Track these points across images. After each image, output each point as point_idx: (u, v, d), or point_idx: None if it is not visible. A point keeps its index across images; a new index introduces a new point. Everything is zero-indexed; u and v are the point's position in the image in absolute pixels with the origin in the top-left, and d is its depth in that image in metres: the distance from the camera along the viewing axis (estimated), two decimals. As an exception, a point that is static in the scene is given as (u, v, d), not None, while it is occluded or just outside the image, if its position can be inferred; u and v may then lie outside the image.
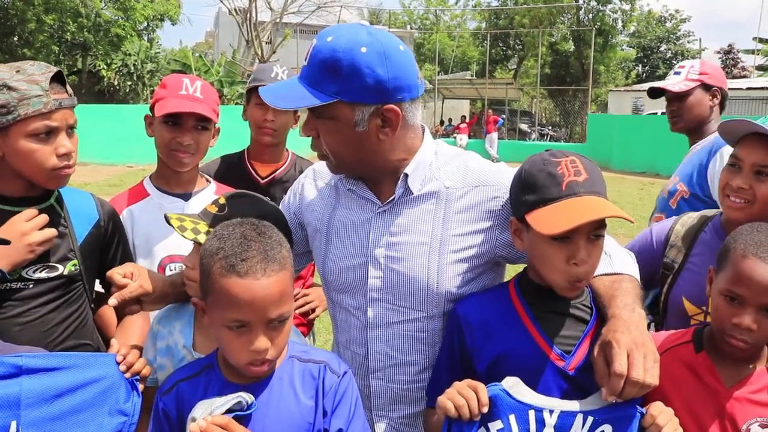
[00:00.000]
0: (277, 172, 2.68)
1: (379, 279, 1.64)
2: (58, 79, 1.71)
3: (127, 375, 1.50)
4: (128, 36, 27.31)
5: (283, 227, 1.59)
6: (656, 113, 19.25)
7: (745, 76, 32.72)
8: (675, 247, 1.97)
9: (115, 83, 26.34)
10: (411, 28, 42.90)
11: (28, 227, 1.69)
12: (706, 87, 2.87)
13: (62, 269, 1.79)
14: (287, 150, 2.76)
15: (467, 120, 28.41)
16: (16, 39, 26.47)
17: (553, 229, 1.38)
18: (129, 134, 14.05)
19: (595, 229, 1.42)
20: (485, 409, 1.35)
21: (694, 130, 2.91)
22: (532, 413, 1.38)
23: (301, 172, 2.22)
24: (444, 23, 45.19)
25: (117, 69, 26.30)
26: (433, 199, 1.63)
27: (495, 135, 22.69)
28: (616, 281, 1.53)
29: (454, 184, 1.64)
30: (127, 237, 2.09)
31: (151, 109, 2.22)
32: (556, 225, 1.38)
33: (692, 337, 1.58)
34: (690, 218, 2.03)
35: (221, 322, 1.33)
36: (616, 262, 1.57)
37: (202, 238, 1.52)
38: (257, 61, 26.88)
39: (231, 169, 2.67)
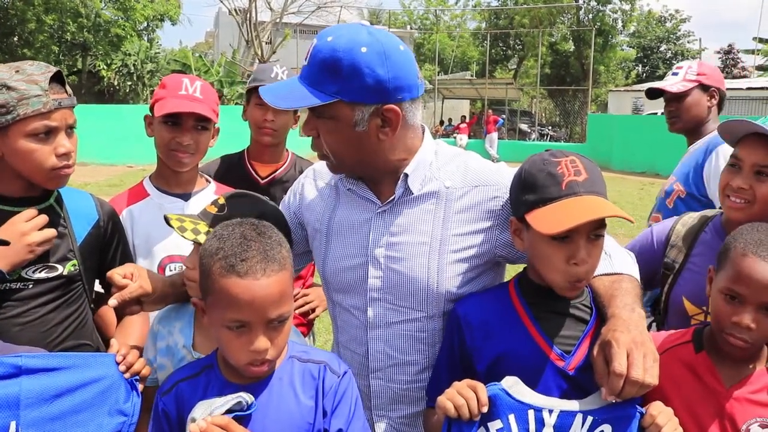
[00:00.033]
0: (277, 172, 2.68)
1: (379, 279, 1.64)
2: (57, 79, 1.71)
3: (127, 375, 1.50)
4: (128, 36, 27.32)
5: (283, 227, 1.59)
6: (656, 113, 19.23)
7: (745, 76, 32.72)
8: (675, 247, 1.98)
9: (115, 83, 26.33)
10: (411, 28, 42.91)
11: (27, 227, 1.69)
12: (704, 87, 2.88)
13: (62, 269, 1.79)
14: (287, 150, 2.76)
15: (467, 120, 28.41)
16: (16, 39, 26.49)
17: (553, 229, 1.38)
18: (129, 134, 14.04)
19: (595, 229, 1.42)
20: (485, 409, 1.35)
21: (693, 131, 2.92)
22: (531, 413, 1.38)
23: (301, 172, 2.22)
24: (444, 23, 45.20)
25: (117, 69, 26.30)
26: (433, 199, 1.63)
27: (495, 135, 22.69)
28: (616, 281, 1.53)
29: (454, 184, 1.64)
30: (127, 237, 2.09)
31: (151, 109, 2.22)
32: (555, 224, 1.38)
33: (692, 337, 1.58)
34: (690, 218, 2.03)
35: (221, 323, 1.33)
36: (616, 262, 1.57)
37: (202, 239, 1.52)
38: (257, 61, 26.89)
39: (231, 169, 2.67)
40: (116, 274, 1.61)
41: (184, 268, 1.66)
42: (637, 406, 1.38)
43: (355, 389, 1.47)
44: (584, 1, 36.26)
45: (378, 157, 1.59)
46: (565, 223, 1.37)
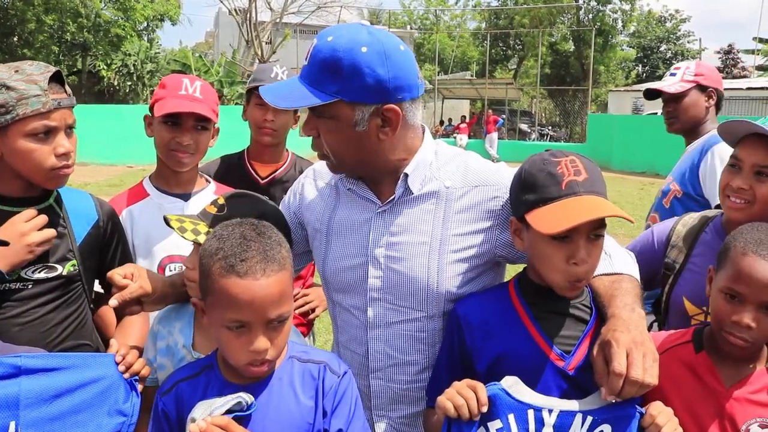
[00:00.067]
0: (277, 172, 2.68)
1: (379, 279, 1.63)
2: (56, 78, 1.71)
3: (126, 375, 1.50)
4: (128, 36, 27.31)
5: (283, 227, 1.59)
6: (656, 113, 19.20)
7: (745, 76, 32.72)
8: (676, 247, 1.98)
9: (115, 83, 26.33)
10: (411, 28, 42.90)
11: (27, 228, 1.69)
12: (702, 88, 2.89)
13: (61, 269, 1.79)
14: (287, 150, 2.76)
15: (467, 120, 28.41)
16: (16, 39, 26.49)
17: (553, 229, 1.38)
18: (129, 134, 14.04)
19: (595, 229, 1.42)
20: (485, 409, 1.35)
21: (691, 131, 2.93)
22: (531, 412, 1.38)
23: (301, 172, 2.22)
24: (444, 23, 45.20)
25: (117, 69, 26.29)
26: (433, 198, 1.63)
27: (495, 135, 22.69)
28: (615, 281, 1.53)
29: (454, 184, 1.64)
30: (127, 237, 2.09)
31: (151, 109, 2.22)
32: (555, 224, 1.38)
33: (692, 337, 1.58)
34: (691, 218, 2.03)
35: (221, 323, 1.33)
36: (616, 262, 1.57)
37: (202, 239, 1.51)
38: (257, 61, 26.88)
39: (231, 170, 2.67)
40: (116, 274, 1.61)
41: (183, 268, 1.66)
42: (637, 406, 1.38)
43: (355, 389, 1.47)
44: (584, 1, 36.28)
45: (378, 157, 1.59)
46: (565, 223, 1.37)
